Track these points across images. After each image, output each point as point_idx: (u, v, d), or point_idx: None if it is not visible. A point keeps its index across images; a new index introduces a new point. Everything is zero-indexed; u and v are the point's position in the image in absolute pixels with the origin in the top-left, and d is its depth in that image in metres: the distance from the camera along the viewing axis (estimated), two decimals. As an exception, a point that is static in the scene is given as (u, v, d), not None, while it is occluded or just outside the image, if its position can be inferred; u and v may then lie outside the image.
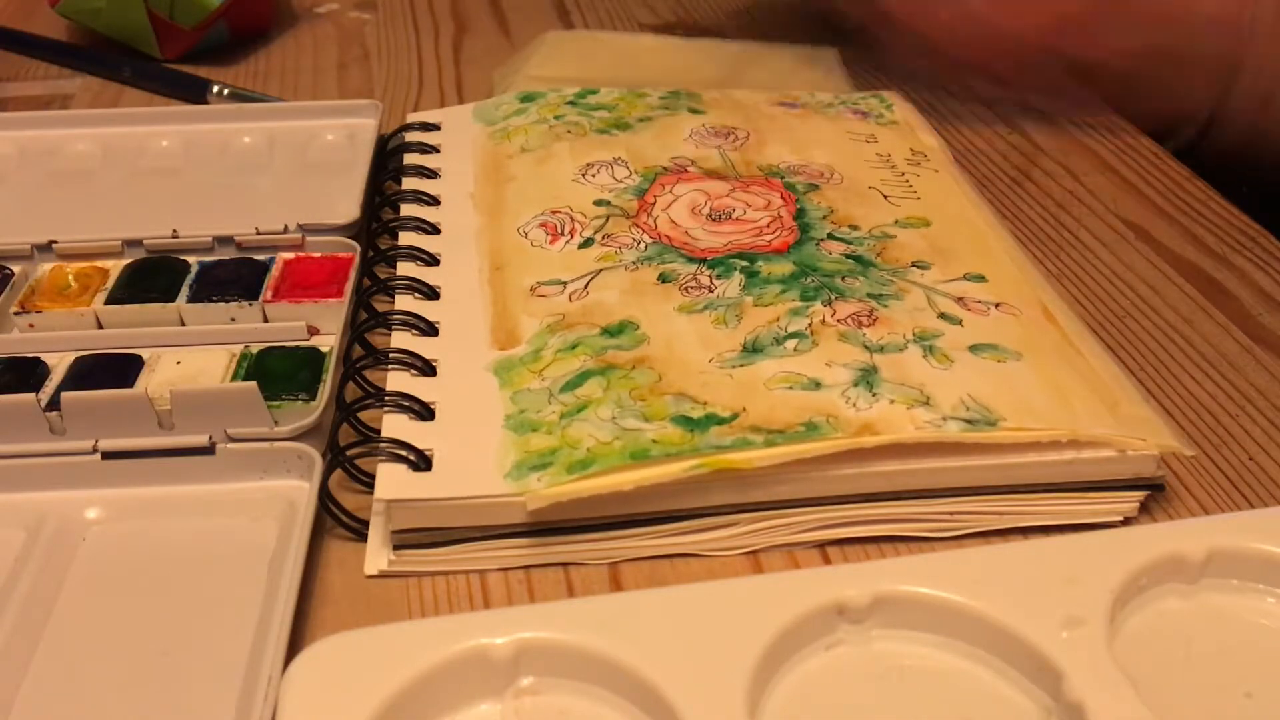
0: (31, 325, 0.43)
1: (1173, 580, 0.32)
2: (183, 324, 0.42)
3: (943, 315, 0.39)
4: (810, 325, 0.38)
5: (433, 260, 0.43)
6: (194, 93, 0.60)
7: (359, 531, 0.35)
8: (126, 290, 0.43)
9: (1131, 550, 0.31)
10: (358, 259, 0.44)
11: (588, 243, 0.43)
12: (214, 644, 0.31)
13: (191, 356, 0.41)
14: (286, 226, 0.46)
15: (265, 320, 0.43)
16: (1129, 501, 0.35)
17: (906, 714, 0.29)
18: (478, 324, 0.40)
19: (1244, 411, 0.40)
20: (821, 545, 0.35)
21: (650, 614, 0.29)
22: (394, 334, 0.40)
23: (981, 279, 0.41)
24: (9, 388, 0.38)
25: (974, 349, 0.37)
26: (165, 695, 0.30)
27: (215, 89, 0.60)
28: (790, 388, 0.35)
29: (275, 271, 0.44)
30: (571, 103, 0.53)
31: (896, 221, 0.45)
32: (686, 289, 0.40)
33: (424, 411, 0.36)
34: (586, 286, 0.41)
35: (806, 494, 0.34)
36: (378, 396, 0.37)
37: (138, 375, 0.40)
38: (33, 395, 0.37)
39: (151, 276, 0.44)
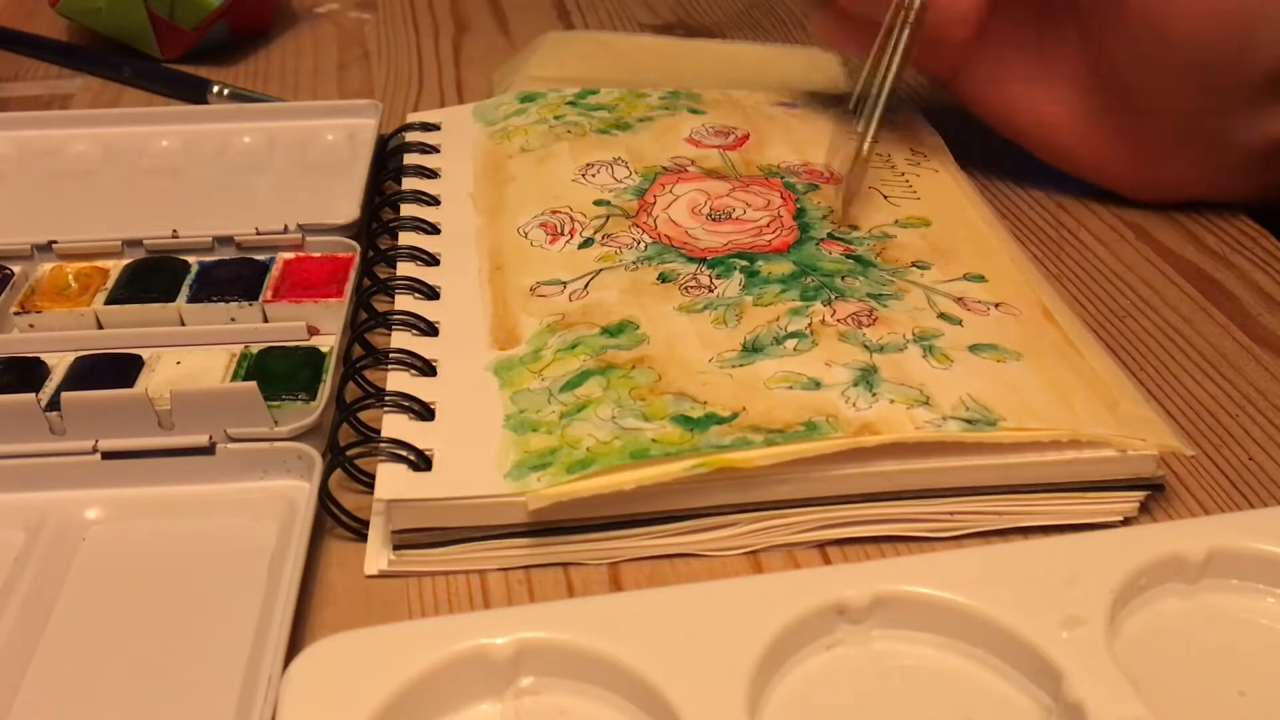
0: (31, 325, 0.43)
1: (1173, 580, 0.32)
2: (183, 324, 0.42)
3: (942, 315, 0.39)
4: (810, 325, 0.38)
5: (433, 260, 0.43)
6: (194, 93, 0.60)
7: (359, 531, 0.35)
8: (126, 290, 0.43)
9: (1131, 550, 0.31)
10: (358, 259, 0.44)
11: (588, 243, 0.43)
12: (214, 644, 0.31)
13: (191, 356, 0.41)
14: (286, 226, 0.45)
15: (265, 320, 0.43)
16: (1129, 501, 0.35)
17: (906, 714, 0.29)
18: (478, 324, 0.40)
19: (1244, 411, 0.40)
20: (821, 545, 0.35)
21: (650, 614, 0.29)
22: (394, 334, 0.40)
23: (981, 279, 0.41)
24: (9, 388, 0.38)
25: (974, 349, 0.37)
26: (165, 695, 0.30)
27: (215, 89, 0.60)
28: (790, 387, 0.35)
29: (275, 271, 0.44)
30: (571, 103, 0.53)
31: (896, 221, 0.45)
32: (686, 289, 0.40)
33: (424, 411, 0.36)
34: (586, 286, 0.41)
35: (806, 494, 0.34)
36: (378, 396, 0.37)
37: (138, 375, 0.40)
38: (33, 395, 0.37)
39: (151, 276, 0.44)
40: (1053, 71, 0.48)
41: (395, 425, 0.35)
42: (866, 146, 0.45)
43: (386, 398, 0.36)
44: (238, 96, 0.59)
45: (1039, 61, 0.48)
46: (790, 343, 0.37)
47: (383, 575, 0.34)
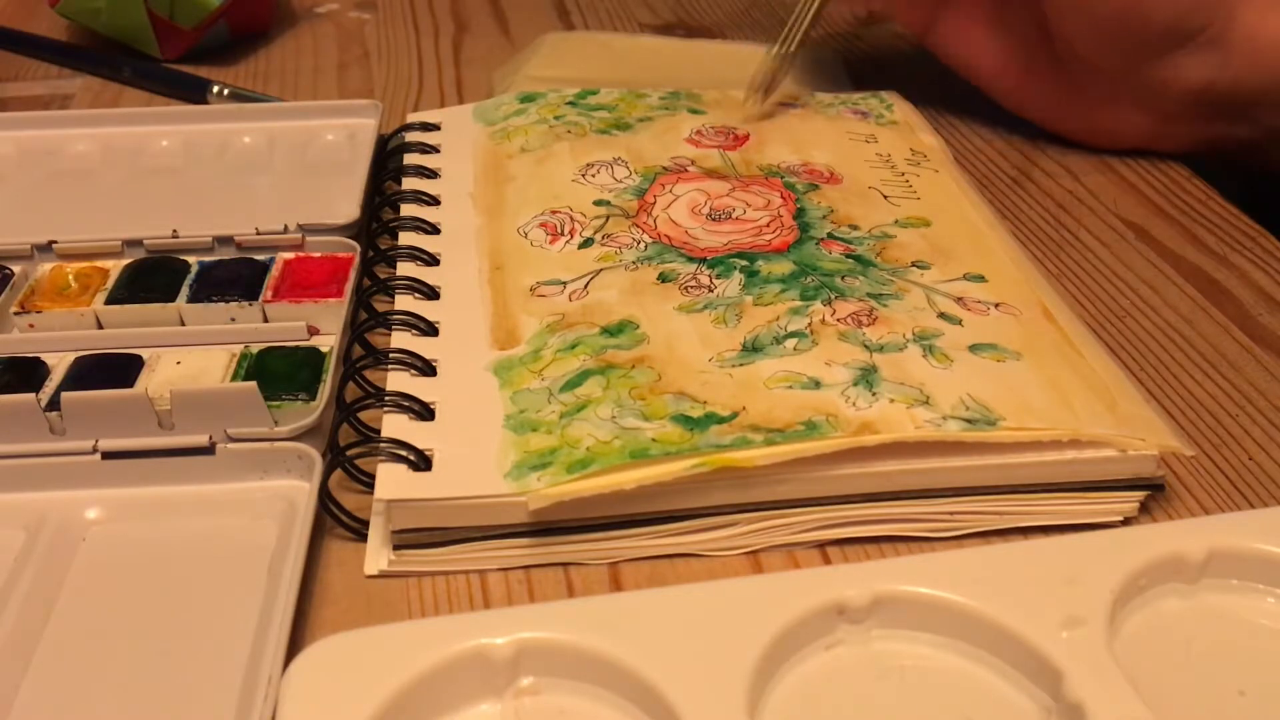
0: (31, 325, 0.43)
1: (1173, 580, 0.32)
2: (183, 324, 0.42)
3: (942, 315, 0.39)
4: (810, 325, 0.38)
5: (433, 260, 0.43)
6: (194, 93, 0.60)
7: (359, 531, 0.35)
8: (126, 290, 0.43)
9: (1131, 550, 0.31)
10: (358, 259, 0.44)
11: (588, 243, 0.43)
12: (214, 644, 0.31)
13: (191, 356, 0.41)
14: (286, 226, 0.45)
15: (265, 320, 0.43)
16: (1129, 501, 0.35)
17: (906, 714, 0.29)
18: (478, 324, 0.40)
19: (1244, 411, 0.40)
20: (821, 545, 0.35)
21: (650, 614, 0.29)
22: (394, 334, 0.40)
23: (981, 279, 0.41)
24: (9, 388, 0.38)
25: (974, 349, 0.37)
26: (165, 695, 0.30)
27: (215, 89, 0.60)
28: (790, 387, 0.35)
29: (275, 271, 0.44)
30: (571, 103, 0.53)
31: (896, 221, 0.45)
32: (686, 288, 0.40)
33: (424, 411, 0.36)
34: (586, 286, 0.41)
35: (806, 494, 0.34)
36: (378, 396, 0.37)
37: (138, 375, 0.40)
38: (33, 395, 0.37)
39: (151, 276, 0.44)
40: (1010, 30, 0.54)
41: (395, 425, 0.35)
42: (794, 44, 0.51)
43: (386, 398, 0.36)
44: (238, 96, 0.59)
45: (999, 21, 0.54)
46: (790, 342, 0.37)
47: (383, 575, 0.34)
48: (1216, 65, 0.49)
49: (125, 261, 0.45)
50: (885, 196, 0.46)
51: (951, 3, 0.54)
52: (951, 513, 0.35)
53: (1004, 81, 0.55)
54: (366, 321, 0.41)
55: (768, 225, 0.44)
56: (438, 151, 0.51)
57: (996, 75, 0.55)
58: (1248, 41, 0.49)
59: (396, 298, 0.41)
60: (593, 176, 0.47)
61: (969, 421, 0.34)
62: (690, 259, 0.42)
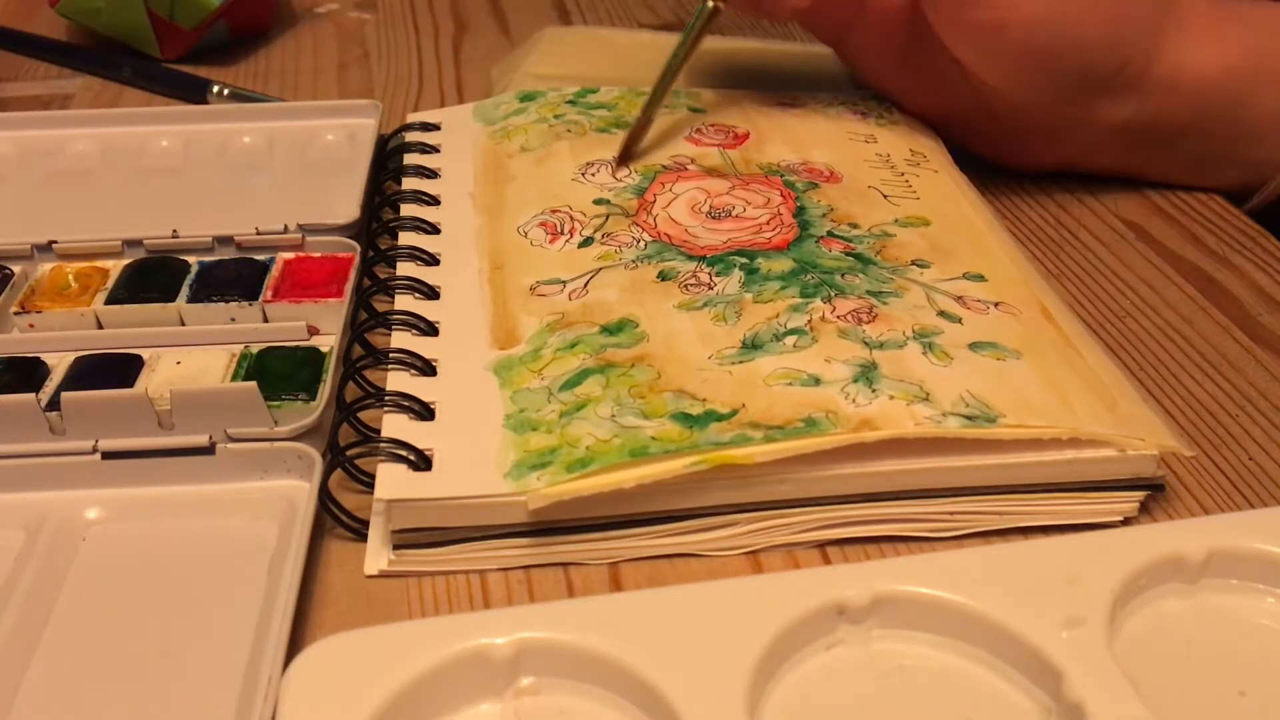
0: (31, 325, 0.43)
1: (1173, 580, 0.32)
2: (183, 324, 0.42)
3: (942, 313, 0.39)
4: (810, 322, 0.38)
5: (433, 260, 0.43)
6: (194, 93, 0.60)
7: (359, 531, 0.35)
8: (126, 290, 0.43)
9: (1131, 550, 0.31)
10: (358, 259, 0.44)
11: (587, 241, 0.43)
12: (214, 644, 0.31)
13: (191, 356, 0.41)
14: (286, 226, 0.46)
15: (265, 320, 0.43)
16: (1129, 501, 0.35)
17: (906, 714, 0.29)
18: (477, 323, 0.40)
19: (1244, 411, 0.40)
20: (821, 545, 0.35)
21: (650, 614, 0.29)
22: (394, 334, 0.40)
23: (981, 278, 0.41)
24: (9, 388, 0.38)
25: (973, 347, 0.37)
26: (165, 695, 0.30)
27: (215, 89, 0.60)
28: (790, 384, 0.35)
29: (275, 271, 0.44)
30: (571, 102, 0.53)
31: (896, 220, 0.45)
32: (686, 286, 0.40)
33: (424, 411, 0.36)
34: (586, 285, 0.41)
35: (807, 493, 0.34)
36: (378, 396, 0.37)
37: (138, 375, 0.40)
38: (33, 395, 0.37)
39: (151, 276, 0.44)
40: (922, 61, 0.50)
41: (395, 425, 0.35)
42: (649, 109, 0.49)
43: (386, 398, 0.36)
44: (238, 96, 0.59)
45: (908, 48, 0.50)
46: (790, 339, 0.37)
47: (383, 575, 0.34)
48: (1134, 103, 0.48)
49: (125, 261, 0.45)
50: (885, 196, 0.46)
51: (861, 24, 0.50)
52: (951, 513, 0.35)
53: (918, 108, 0.53)
54: (366, 321, 0.41)
55: (767, 223, 0.44)
56: (438, 151, 0.51)
57: (909, 103, 0.53)
58: (1167, 81, 0.48)
59: (396, 298, 0.41)
60: (592, 175, 0.47)
61: (969, 418, 0.34)
62: (690, 257, 0.42)
